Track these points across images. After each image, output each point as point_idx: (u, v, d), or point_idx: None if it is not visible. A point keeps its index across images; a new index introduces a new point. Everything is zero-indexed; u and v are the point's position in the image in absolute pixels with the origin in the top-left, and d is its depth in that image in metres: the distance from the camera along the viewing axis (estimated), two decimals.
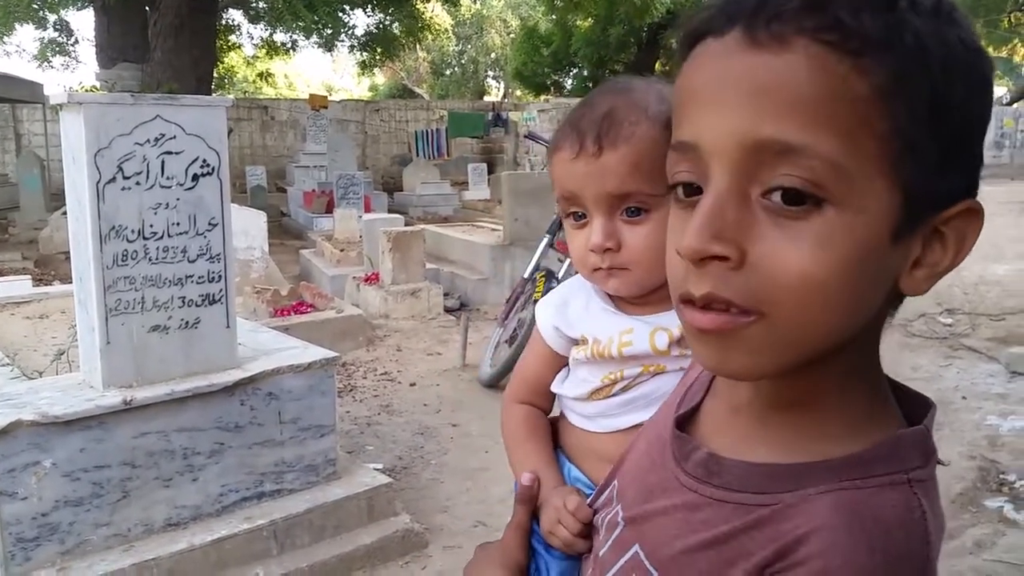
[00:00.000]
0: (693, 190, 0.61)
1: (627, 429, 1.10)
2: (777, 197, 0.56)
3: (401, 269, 7.47)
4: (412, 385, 5.69)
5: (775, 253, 0.56)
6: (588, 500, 0.97)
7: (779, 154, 0.55)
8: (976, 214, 0.59)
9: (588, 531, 0.93)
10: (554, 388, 1.20)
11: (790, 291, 0.56)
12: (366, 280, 7.91)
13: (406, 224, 9.20)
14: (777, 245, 0.56)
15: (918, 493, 0.61)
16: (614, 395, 1.11)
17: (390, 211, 13.38)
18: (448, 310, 7.68)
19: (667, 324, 1.07)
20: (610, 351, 1.09)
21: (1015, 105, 27.11)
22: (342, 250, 9.32)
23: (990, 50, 28.59)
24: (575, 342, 1.15)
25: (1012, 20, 26.82)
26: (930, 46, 0.55)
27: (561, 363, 1.19)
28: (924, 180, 0.57)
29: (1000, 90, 29.16)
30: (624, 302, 1.12)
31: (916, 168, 0.56)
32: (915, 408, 0.68)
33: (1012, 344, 6.18)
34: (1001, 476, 4.06)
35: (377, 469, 3.72)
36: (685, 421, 0.77)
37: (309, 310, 6.54)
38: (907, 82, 0.54)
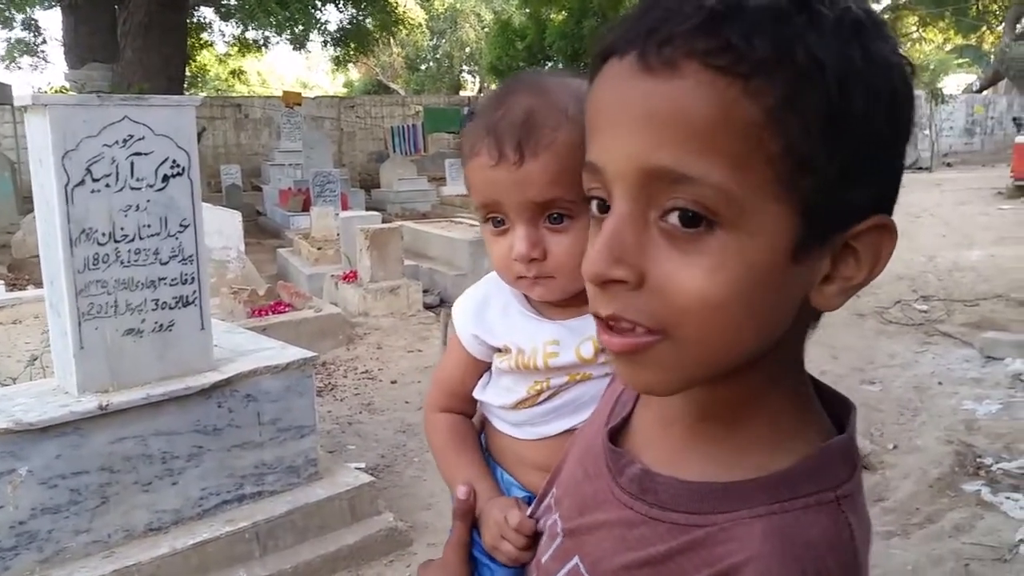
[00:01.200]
0: (605, 207, 0.62)
1: (555, 436, 1.09)
2: (673, 219, 0.57)
3: (379, 266, 7.44)
4: (393, 383, 5.67)
5: (673, 275, 0.57)
6: (529, 510, 0.96)
7: (672, 181, 0.56)
8: (888, 230, 0.59)
9: (533, 541, 0.92)
10: (477, 395, 1.17)
11: (689, 312, 0.57)
12: (344, 278, 7.87)
13: (384, 221, 9.17)
14: (675, 267, 0.57)
15: (846, 511, 0.61)
16: (540, 403, 1.10)
17: (367, 208, 13.34)
18: (427, 307, 7.66)
19: (592, 331, 1.04)
20: (535, 362, 1.07)
21: (985, 92, 27.40)
22: (319, 248, 9.27)
23: (958, 39, 28.90)
24: (497, 349, 1.13)
25: (980, 7, 27.07)
26: (825, 61, 0.53)
27: (482, 368, 1.16)
28: (824, 197, 0.56)
29: (970, 77, 29.46)
30: (544, 305, 1.09)
31: (813, 186, 0.55)
32: (839, 409, 0.69)
33: (986, 329, 6.26)
34: (978, 460, 4.11)
35: (359, 468, 3.70)
36: (617, 432, 0.77)
37: (287, 310, 6.50)
38: (799, 100, 0.53)
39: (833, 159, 0.55)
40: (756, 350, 0.61)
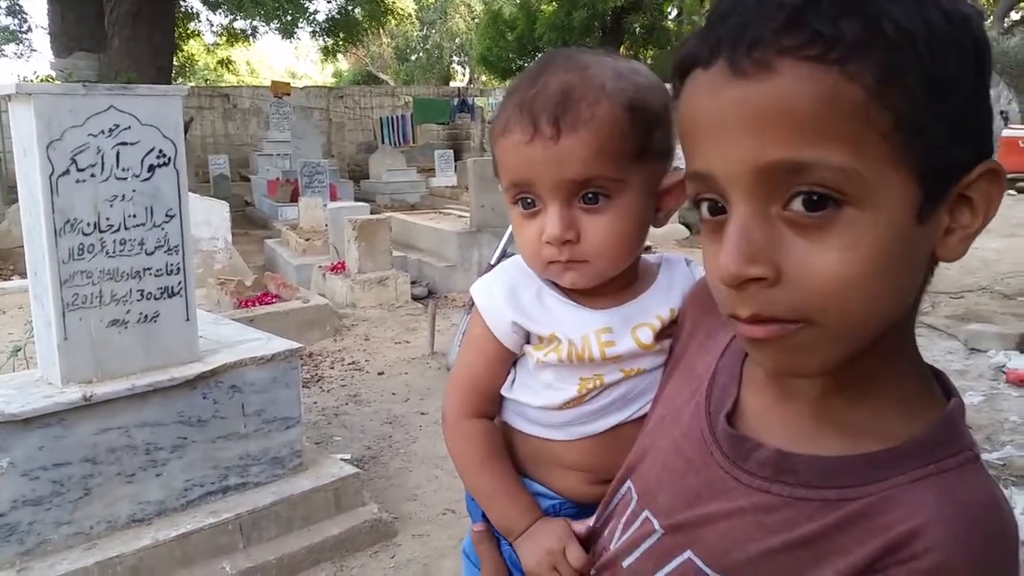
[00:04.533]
0: (718, 209, 0.63)
1: (599, 434, 1.01)
2: (798, 206, 0.58)
3: (368, 257, 7.43)
4: (380, 374, 5.67)
5: (807, 263, 0.58)
6: (592, 521, 0.91)
7: (790, 172, 0.57)
8: (996, 174, 0.61)
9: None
10: (506, 393, 1.06)
11: (828, 296, 0.58)
12: (332, 269, 7.86)
13: (372, 212, 9.15)
14: (807, 255, 0.58)
15: (983, 467, 0.64)
16: (587, 401, 1.01)
17: (356, 199, 13.29)
18: (416, 298, 7.66)
19: (642, 317, 0.99)
20: (590, 353, 0.98)
21: None
22: (307, 239, 9.25)
23: None
24: (532, 339, 1.03)
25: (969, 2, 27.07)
26: (913, 30, 0.55)
27: (512, 360, 1.05)
28: (938, 158, 0.58)
29: None
30: (578, 294, 1.01)
31: (927, 149, 0.57)
32: (936, 375, 0.71)
33: (970, 321, 6.31)
34: None
35: (345, 459, 3.71)
36: (728, 417, 0.75)
37: (274, 300, 6.48)
38: (898, 73, 0.55)
39: (941, 120, 0.57)
40: (895, 318, 0.63)
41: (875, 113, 0.55)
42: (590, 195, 0.93)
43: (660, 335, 0.98)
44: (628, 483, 0.83)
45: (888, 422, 0.65)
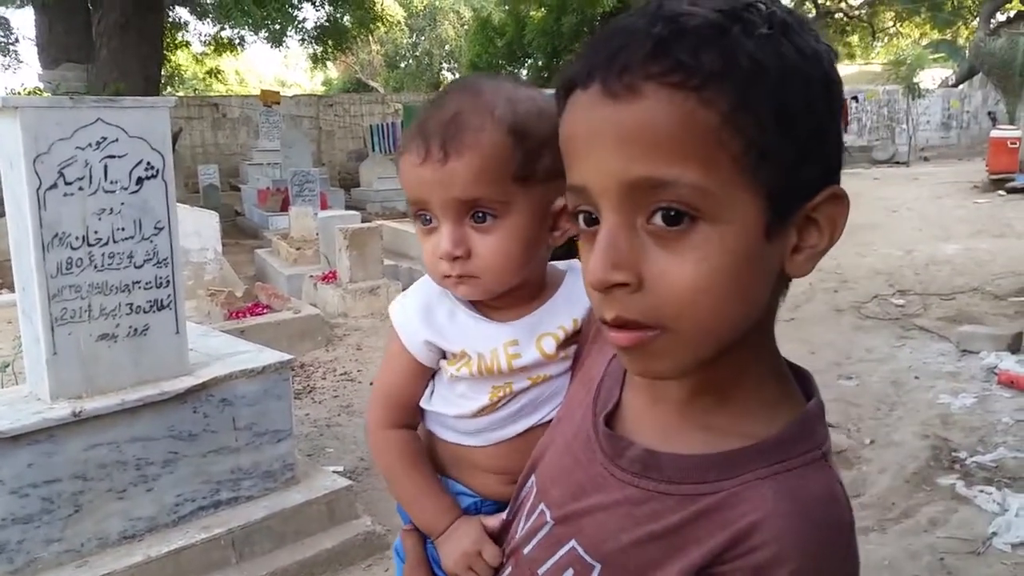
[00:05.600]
0: (592, 220, 0.68)
1: (512, 438, 1.07)
2: (658, 220, 0.63)
3: (359, 267, 7.41)
4: (372, 384, 5.63)
5: (664, 272, 0.64)
6: (504, 515, 0.97)
7: (652, 188, 0.63)
8: (840, 198, 0.66)
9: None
10: (425, 405, 1.12)
11: (682, 303, 0.64)
12: (323, 279, 7.84)
13: (364, 220, 9.13)
14: (666, 265, 0.64)
15: (831, 465, 0.70)
16: (499, 408, 1.07)
17: (347, 207, 13.28)
18: None
19: (546, 327, 1.05)
20: (499, 366, 1.04)
21: (960, 87, 27.65)
22: (298, 249, 9.22)
23: (934, 34, 29.11)
24: (446, 355, 1.09)
25: (955, 3, 27.29)
26: (767, 64, 0.61)
27: (429, 375, 1.12)
28: (785, 180, 0.63)
29: (946, 72, 29.72)
30: (486, 307, 1.08)
31: (775, 172, 0.63)
32: (799, 378, 0.77)
33: (962, 322, 6.32)
34: (953, 454, 4.15)
35: (337, 472, 3.69)
36: (609, 418, 0.81)
37: (265, 311, 6.46)
38: (750, 101, 0.61)
39: (788, 146, 0.62)
40: (745, 326, 0.68)
41: (727, 137, 0.61)
42: (479, 214, 1.00)
43: (564, 344, 1.04)
44: (532, 478, 0.90)
45: (749, 423, 0.71)
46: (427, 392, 1.12)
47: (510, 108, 0.99)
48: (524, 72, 26.30)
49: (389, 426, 1.13)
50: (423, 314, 1.08)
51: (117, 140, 2.86)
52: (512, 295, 1.05)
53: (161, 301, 3.03)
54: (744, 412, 0.72)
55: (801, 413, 0.72)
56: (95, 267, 2.87)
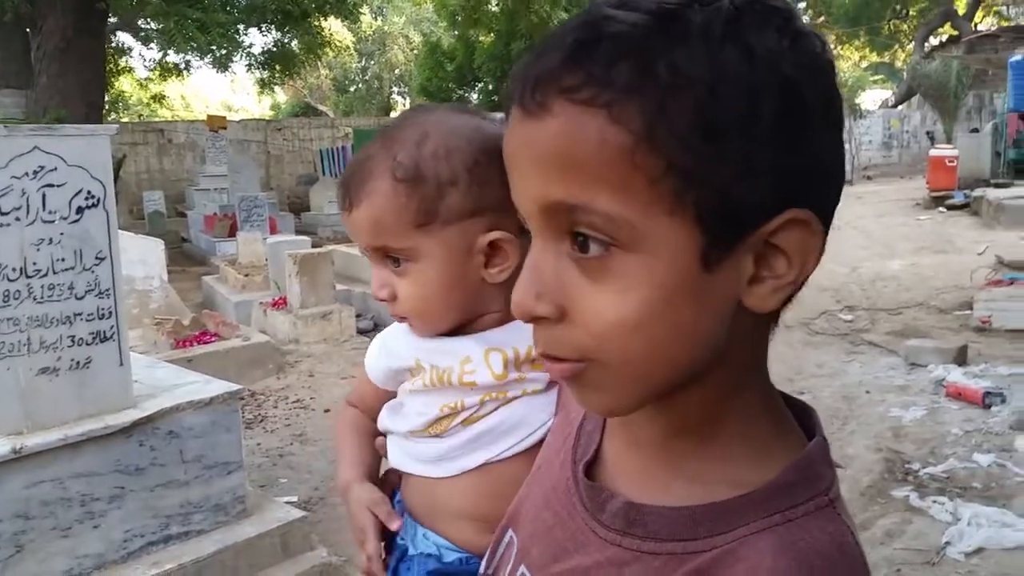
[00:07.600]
0: None
1: (475, 468, 1.04)
2: (577, 248, 0.58)
3: (310, 292, 7.32)
4: (326, 411, 5.56)
5: (587, 303, 0.58)
6: (482, 568, 0.87)
7: (566, 212, 0.57)
8: (806, 224, 0.56)
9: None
10: (383, 425, 1.15)
11: (605, 338, 0.57)
12: (273, 305, 7.72)
13: (314, 245, 9.04)
14: (588, 295, 0.58)
15: (840, 512, 0.61)
16: (455, 431, 1.05)
17: (297, 232, 13.15)
18: (361, 331, 7.56)
19: (499, 345, 1.03)
20: (450, 378, 1.03)
21: (900, 107, 28.47)
22: (247, 275, 9.08)
23: (873, 57, 29.99)
24: (407, 372, 1.09)
25: (892, 27, 28.16)
26: (691, 74, 0.52)
27: (390, 395, 1.15)
28: (719, 202, 0.54)
29: (886, 93, 30.59)
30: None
31: (706, 194, 0.54)
32: (800, 415, 0.68)
33: (910, 336, 6.45)
34: (906, 466, 4.21)
35: (291, 503, 3.61)
36: (589, 466, 0.73)
37: (213, 339, 6.33)
38: (668, 117, 0.53)
39: (723, 165, 0.53)
40: (696, 361, 0.59)
41: (642, 159, 0.53)
42: (394, 259, 1.02)
43: (517, 365, 1.02)
44: (510, 532, 0.81)
45: (739, 468, 0.63)
46: (388, 413, 1.14)
47: (413, 152, 0.99)
48: (475, 96, 26.42)
49: (350, 404, 1.25)
50: (381, 347, 1.14)
51: (56, 169, 2.78)
52: (473, 324, 1.06)
53: (104, 333, 2.93)
54: (730, 456, 0.63)
55: (801, 455, 0.63)
56: (34, 299, 2.78)
